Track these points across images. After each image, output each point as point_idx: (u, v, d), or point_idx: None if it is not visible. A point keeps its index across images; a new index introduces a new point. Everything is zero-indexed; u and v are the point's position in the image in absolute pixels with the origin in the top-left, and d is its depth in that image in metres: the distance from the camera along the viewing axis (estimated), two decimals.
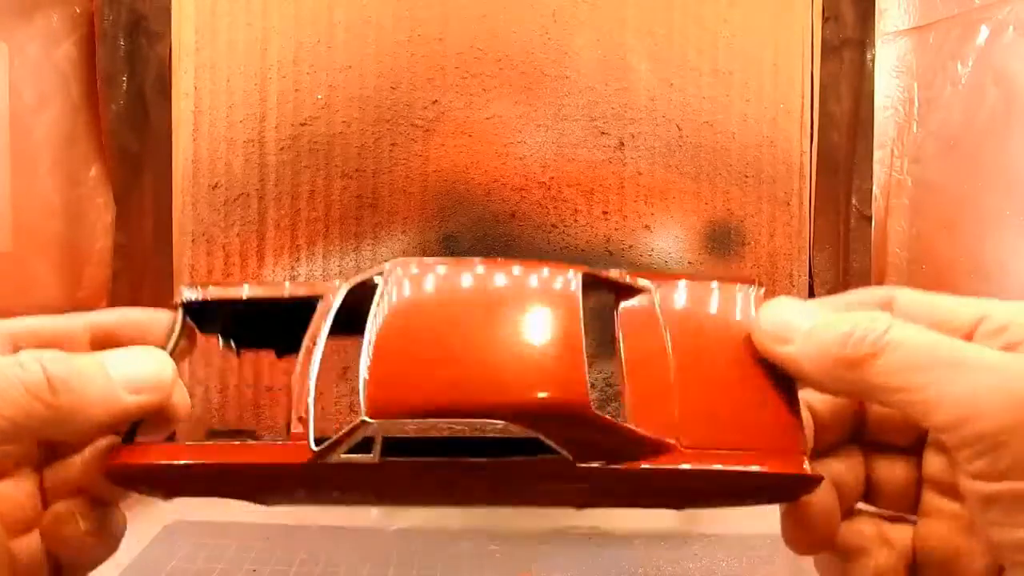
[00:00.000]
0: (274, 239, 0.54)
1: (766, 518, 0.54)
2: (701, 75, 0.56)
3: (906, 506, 0.28)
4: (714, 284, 0.31)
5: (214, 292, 0.32)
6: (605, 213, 0.55)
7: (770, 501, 0.28)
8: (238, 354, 0.35)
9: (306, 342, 0.30)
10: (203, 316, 0.33)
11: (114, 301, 0.61)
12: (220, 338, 0.34)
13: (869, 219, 0.62)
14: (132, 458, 0.27)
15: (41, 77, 0.57)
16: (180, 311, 0.32)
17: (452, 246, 0.55)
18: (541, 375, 0.26)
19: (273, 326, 0.33)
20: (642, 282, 0.32)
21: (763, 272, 0.57)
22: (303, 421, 0.28)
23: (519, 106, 0.55)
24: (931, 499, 0.28)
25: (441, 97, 0.55)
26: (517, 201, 0.55)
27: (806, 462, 0.27)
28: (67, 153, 0.59)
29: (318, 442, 0.27)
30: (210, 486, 0.28)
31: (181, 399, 0.28)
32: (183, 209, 0.54)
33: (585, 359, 0.27)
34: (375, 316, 0.29)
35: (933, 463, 0.28)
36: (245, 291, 0.33)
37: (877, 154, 0.61)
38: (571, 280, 0.30)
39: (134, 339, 0.30)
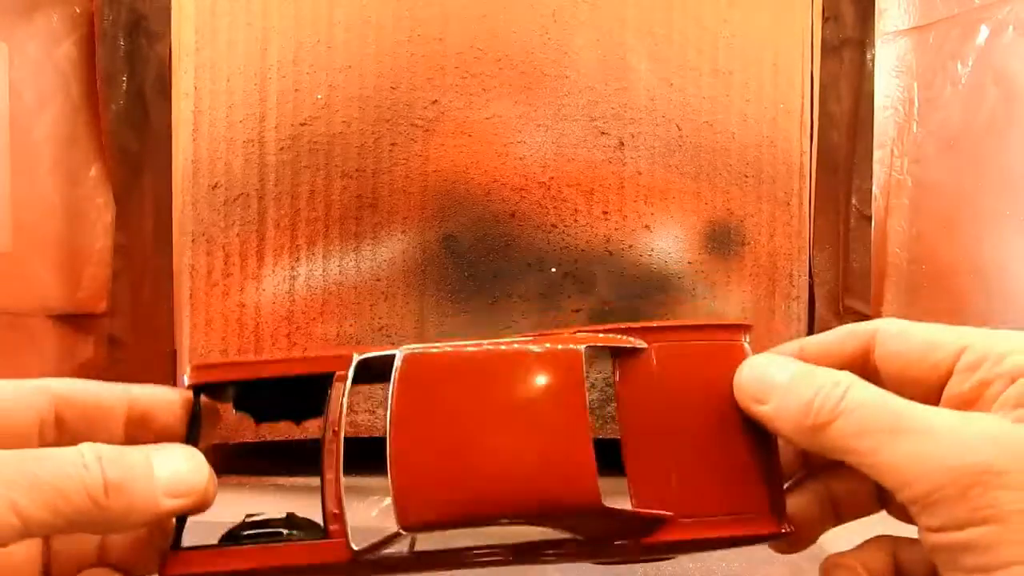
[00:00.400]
0: (274, 239, 0.54)
1: None
2: (701, 75, 0.56)
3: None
4: (704, 336, 0.33)
5: (222, 372, 0.33)
6: (605, 213, 0.55)
7: (753, 544, 0.32)
8: (256, 424, 0.35)
9: (326, 433, 0.31)
10: (215, 391, 0.33)
11: (114, 301, 0.61)
12: (234, 407, 0.34)
13: (869, 219, 0.62)
14: (182, 568, 0.29)
15: (41, 77, 0.57)
16: (193, 395, 0.32)
17: (452, 246, 0.55)
18: (555, 478, 0.29)
19: (287, 398, 0.34)
20: (638, 343, 0.33)
21: (763, 272, 0.57)
22: (338, 518, 0.30)
23: (519, 106, 0.55)
24: None
25: (441, 97, 0.55)
26: (517, 201, 0.55)
27: (783, 523, 0.30)
28: (67, 153, 0.59)
29: (355, 534, 0.29)
30: None
31: (212, 492, 0.29)
32: (183, 209, 0.54)
33: (592, 450, 0.30)
34: (391, 416, 0.30)
35: None
36: (256, 370, 0.33)
37: (877, 154, 0.61)
38: (574, 361, 0.31)
39: (168, 424, 0.31)
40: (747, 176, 0.57)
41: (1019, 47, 0.53)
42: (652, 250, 0.56)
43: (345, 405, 0.32)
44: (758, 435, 0.30)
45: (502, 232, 0.55)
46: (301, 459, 0.52)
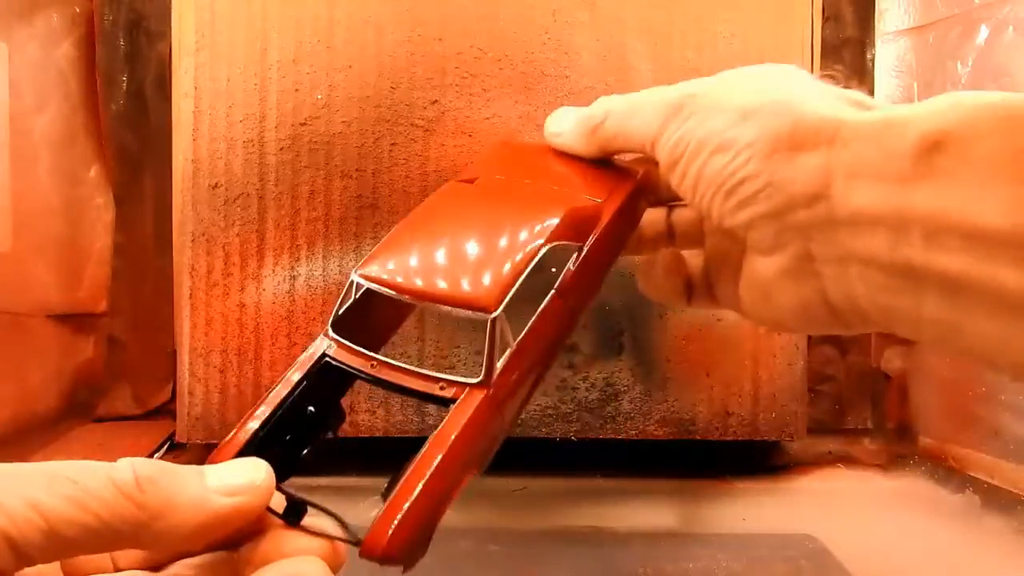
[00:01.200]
0: (274, 239, 0.54)
1: (766, 518, 0.55)
2: (701, 75, 0.56)
3: (698, 240, 0.39)
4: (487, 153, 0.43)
5: (238, 436, 0.29)
6: None
7: (637, 215, 0.38)
8: (300, 466, 0.31)
9: (366, 369, 0.31)
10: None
11: (114, 301, 0.61)
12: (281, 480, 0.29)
13: None
14: (388, 524, 0.26)
15: (41, 77, 0.57)
16: None
17: None
18: (543, 208, 0.36)
19: (305, 418, 0.31)
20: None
21: None
22: (447, 384, 0.30)
23: (519, 106, 0.55)
24: (707, 224, 0.38)
25: (441, 97, 0.55)
26: None
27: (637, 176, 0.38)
28: (67, 153, 0.59)
29: None
30: (453, 480, 0.29)
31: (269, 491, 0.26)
32: (183, 209, 0.54)
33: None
34: (397, 286, 0.32)
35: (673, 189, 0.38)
36: (259, 412, 0.30)
37: None
38: (457, 184, 0.38)
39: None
40: None
41: (1019, 47, 0.53)
42: None
43: (356, 348, 0.32)
44: (576, 158, 0.38)
45: None
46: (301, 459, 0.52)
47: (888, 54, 0.61)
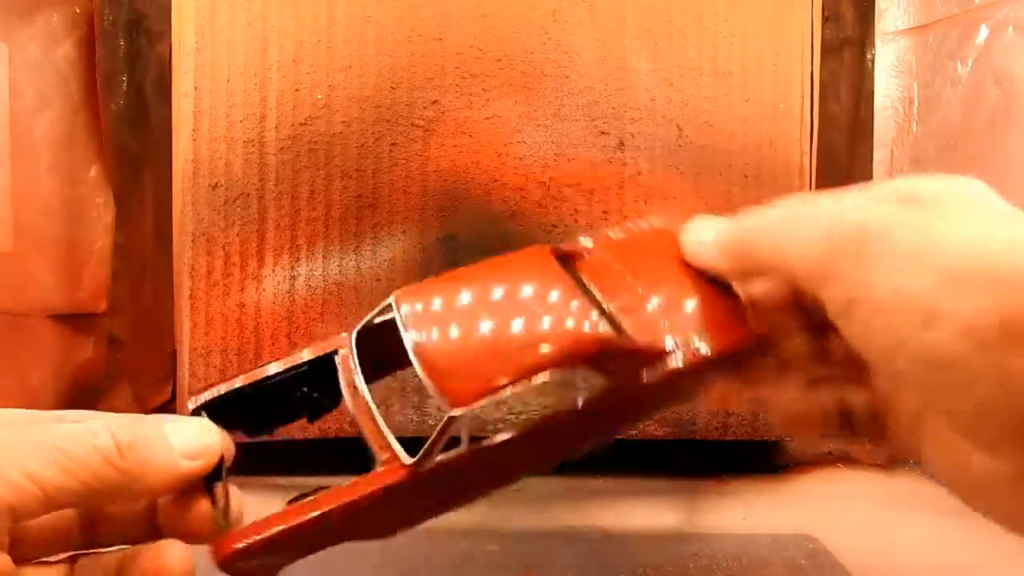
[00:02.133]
0: (274, 239, 0.54)
1: (766, 518, 0.55)
2: (701, 75, 0.56)
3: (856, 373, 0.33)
4: (639, 230, 0.38)
5: (225, 387, 0.33)
6: (605, 213, 0.55)
7: (742, 362, 0.33)
8: (271, 433, 0.35)
9: (346, 391, 0.33)
10: (222, 411, 0.33)
11: (114, 301, 0.61)
12: (247, 430, 0.34)
13: None
14: (241, 539, 0.28)
15: (41, 77, 0.57)
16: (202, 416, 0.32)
17: (452, 246, 0.55)
18: (567, 325, 0.31)
19: (294, 397, 0.35)
20: (582, 240, 0.37)
21: None
22: (385, 448, 0.30)
23: (519, 106, 0.55)
24: None
25: (441, 97, 0.55)
26: (517, 201, 0.55)
27: (756, 329, 0.32)
28: (67, 153, 0.59)
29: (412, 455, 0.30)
30: (324, 536, 0.30)
31: (228, 452, 0.30)
32: (183, 209, 0.54)
33: (583, 295, 0.32)
34: (411, 340, 0.31)
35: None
36: (257, 373, 0.34)
37: (877, 154, 0.61)
38: (543, 251, 0.35)
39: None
40: (747, 176, 0.57)
41: (1019, 47, 0.53)
42: None
43: (356, 366, 0.33)
44: (707, 279, 0.34)
45: (502, 232, 0.55)
46: (301, 459, 0.52)
47: (888, 54, 0.61)
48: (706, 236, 0.33)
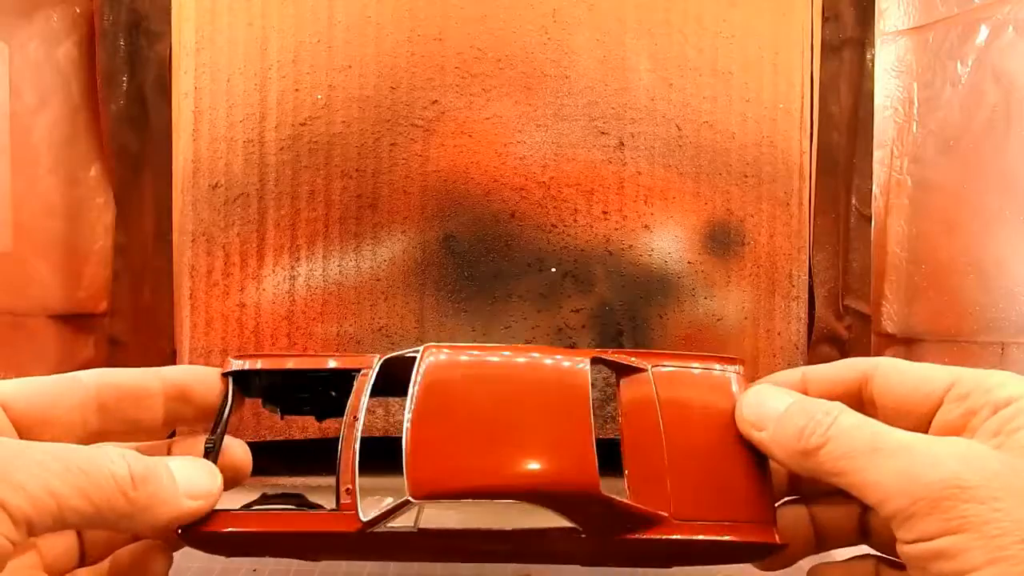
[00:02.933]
0: (274, 239, 0.54)
1: None
2: (701, 75, 0.56)
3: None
4: (699, 366, 0.36)
5: (260, 363, 0.36)
6: (605, 213, 0.55)
7: (745, 561, 0.32)
8: (281, 416, 0.38)
9: (347, 416, 0.34)
10: (248, 382, 0.36)
11: (114, 301, 0.61)
12: (263, 401, 0.37)
13: (869, 219, 0.62)
14: (207, 525, 0.31)
15: (41, 77, 0.57)
16: (230, 381, 0.35)
17: (452, 246, 0.55)
18: (559, 463, 0.31)
19: (314, 393, 0.37)
20: (640, 363, 0.36)
21: (763, 272, 0.57)
22: (351, 493, 0.32)
23: (519, 106, 0.55)
24: None
25: (441, 97, 0.55)
26: (517, 201, 0.55)
27: (775, 533, 0.31)
28: (67, 153, 0.59)
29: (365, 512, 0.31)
30: (269, 548, 0.32)
31: (244, 460, 0.34)
32: (183, 209, 0.54)
33: (594, 444, 0.32)
34: (412, 400, 0.32)
35: None
36: (289, 363, 0.37)
37: (877, 154, 0.61)
38: (580, 369, 0.34)
39: (207, 400, 0.34)
40: (747, 176, 0.57)
41: (1019, 47, 0.53)
42: (652, 250, 0.56)
43: (367, 395, 0.35)
44: (752, 456, 0.32)
45: (502, 232, 0.55)
46: (301, 459, 0.52)
47: (888, 54, 0.60)
48: (765, 421, 0.31)
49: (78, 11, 0.59)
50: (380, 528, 0.31)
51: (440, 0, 0.54)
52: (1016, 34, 0.53)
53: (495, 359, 0.34)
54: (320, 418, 0.38)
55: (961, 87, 0.56)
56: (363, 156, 0.54)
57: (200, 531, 0.30)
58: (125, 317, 0.62)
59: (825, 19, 0.60)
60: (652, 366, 0.36)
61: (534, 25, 0.55)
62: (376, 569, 0.44)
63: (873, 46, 0.61)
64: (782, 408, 0.30)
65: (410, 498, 0.30)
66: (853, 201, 0.62)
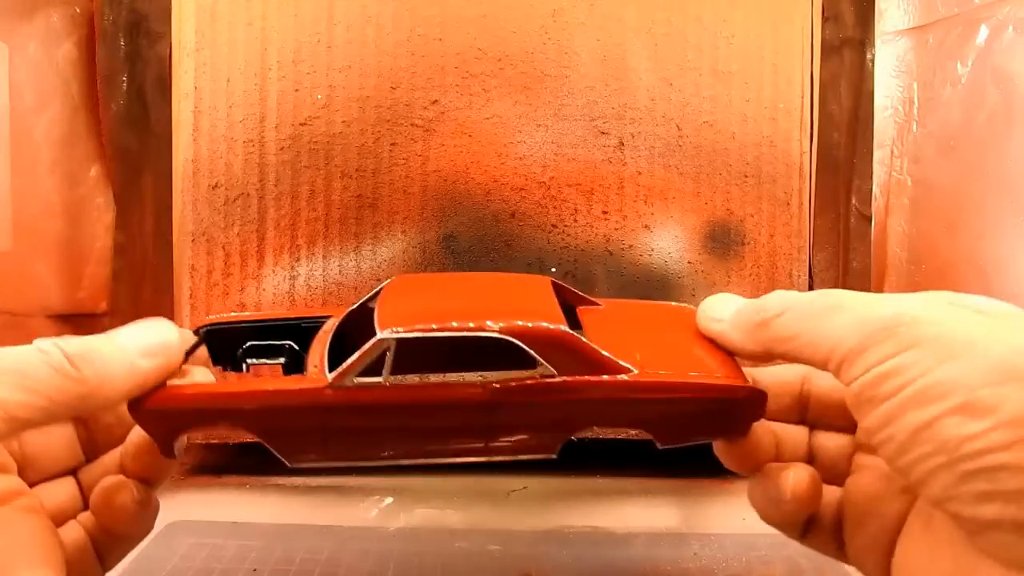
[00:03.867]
0: (274, 239, 0.54)
1: None
2: (701, 75, 0.56)
3: (841, 473, 0.33)
4: (651, 303, 0.39)
5: (231, 316, 0.36)
6: (605, 213, 0.56)
7: (724, 428, 0.32)
8: (246, 369, 0.36)
9: (319, 335, 0.34)
10: (219, 340, 0.35)
11: (114, 301, 0.61)
12: (230, 361, 0.36)
13: (869, 219, 0.62)
14: (157, 396, 0.29)
15: (41, 77, 0.57)
16: (201, 334, 0.35)
17: (452, 246, 0.55)
18: (529, 313, 0.31)
19: (283, 346, 0.36)
20: (596, 301, 0.38)
21: (763, 272, 0.57)
22: (317, 367, 0.31)
23: (519, 106, 0.55)
24: (859, 458, 0.32)
25: (441, 97, 0.55)
26: (517, 201, 0.55)
27: (748, 379, 0.32)
28: (67, 153, 0.59)
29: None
30: (227, 417, 0.30)
31: (205, 377, 0.32)
32: (183, 209, 0.54)
33: (561, 312, 0.32)
34: (384, 292, 0.33)
35: (860, 429, 0.32)
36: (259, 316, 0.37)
37: (877, 154, 0.61)
38: (541, 276, 0.37)
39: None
40: (747, 176, 0.57)
41: (1019, 47, 0.53)
42: (652, 250, 0.56)
43: (335, 327, 0.35)
44: (713, 345, 0.33)
45: (502, 232, 0.55)
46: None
47: (888, 54, 0.61)
48: (724, 313, 0.32)
49: (78, 11, 0.59)
50: (350, 383, 0.29)
51: (440, 0, 0.54)
52: (1016, 34, 0.53)
53: (456, 276, 0.37)
54: (287, 370, 0.36)
55: (961, 87, 0.56)
56: (363, 156, 0.54)
57: (149, 401, 0.29)
58: (125, 317, 0.62)
59: (825, 19, 0.60)
60: (604, 304, 0.38)
61: (534, 25, 0.55)
62: (376, 569, 0.44)
63: (873, 46, 0.61)
64: (739, 302, 0.32)
65: (379, 335, 0.29)
66: (853, 201, 0.62)
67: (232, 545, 0.46)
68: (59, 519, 0.30)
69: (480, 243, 0.55)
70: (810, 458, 0.33)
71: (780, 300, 0.29)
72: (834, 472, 0.33)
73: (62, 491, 0.31)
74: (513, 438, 0.32)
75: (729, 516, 0.52)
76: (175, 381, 0.30)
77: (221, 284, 0.54)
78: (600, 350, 0.31)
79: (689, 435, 0.33)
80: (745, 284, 0.57)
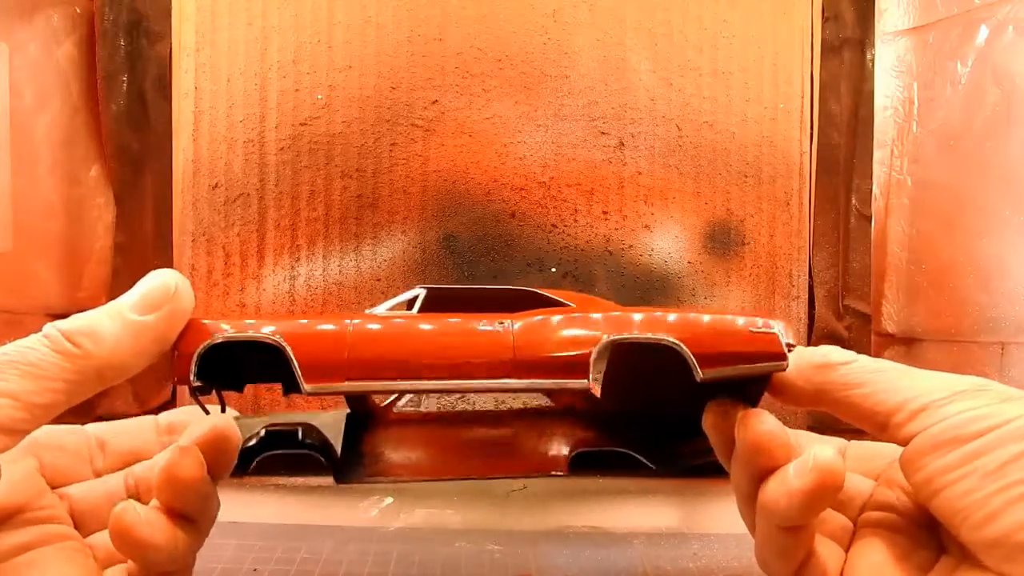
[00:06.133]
0: (274, 239, 0.54)
1: None
2: (701, 75, 0.56)
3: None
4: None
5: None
6: (605, 213, 0.55)
7: (759, 369, 0.31)
8: (240, 390, 0.35)
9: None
10: (216, 363, 0.33)
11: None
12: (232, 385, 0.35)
13: (869, 219, 0.62)
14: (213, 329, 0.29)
15: (41, 77, 0.57)
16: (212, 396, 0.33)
17: (452, 246, 0.55)
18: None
19: (281, 361, 0.34)
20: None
21: (763, 272, 0.57)
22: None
23: (519, 106, 0.55)
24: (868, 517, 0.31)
25: (441, 97, 0.55)
26: (517, 201, 0.55)
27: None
28: (67, 153, 0.59)
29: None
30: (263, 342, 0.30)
31: (229, 428, 0.31)
32: (183, 209, 0.54)
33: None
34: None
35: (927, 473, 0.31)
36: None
37: (877, 154, 0.61)
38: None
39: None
40: (747, 176, 0.57)
41: (1019, 47, 0.53)
42: (652, 250, 0.56)
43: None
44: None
45: (502, 232, 0.55)
46: (301, 460, 0.52)
47: (888, 54, 0.61)
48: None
49: (78, 11, 0.59)
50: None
51: (440, 0, 0.54)
52: (1016, 34, 0.53)
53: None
54: (287, 391, 0.35)
55: (961, 87, 0.56)
56: (363, 156, 0.54)
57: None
58: None
59: (825, 19, 0.60)
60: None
61: (534, 25, 0.55)
62: (376, 569, 0.44)
63: (873, 46, 0.61)
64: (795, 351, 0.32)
65: (414, 290, 0.33)
66: (853, 201, 0.62)
67: (232, 545, 0.46)
68: (107, 563, 0.30)
69: (480, 243, 0.55)
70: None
71: (844, 352, 0.30)
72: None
73: (104, 487, 0.31)
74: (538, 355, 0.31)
75: (729, 516, 0.52)
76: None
77: (221, 284, 0.54)
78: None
79: (719, 372, 0.31)
80: (745, 284, 0.57)
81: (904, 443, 0.27)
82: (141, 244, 0.62)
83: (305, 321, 0.31)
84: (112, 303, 0.29)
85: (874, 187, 0.61)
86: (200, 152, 0.54)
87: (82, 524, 0.30)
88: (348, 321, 0.30)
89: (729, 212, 0.57)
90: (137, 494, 0.32)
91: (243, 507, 0.49)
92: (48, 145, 0.58)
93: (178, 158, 0.55)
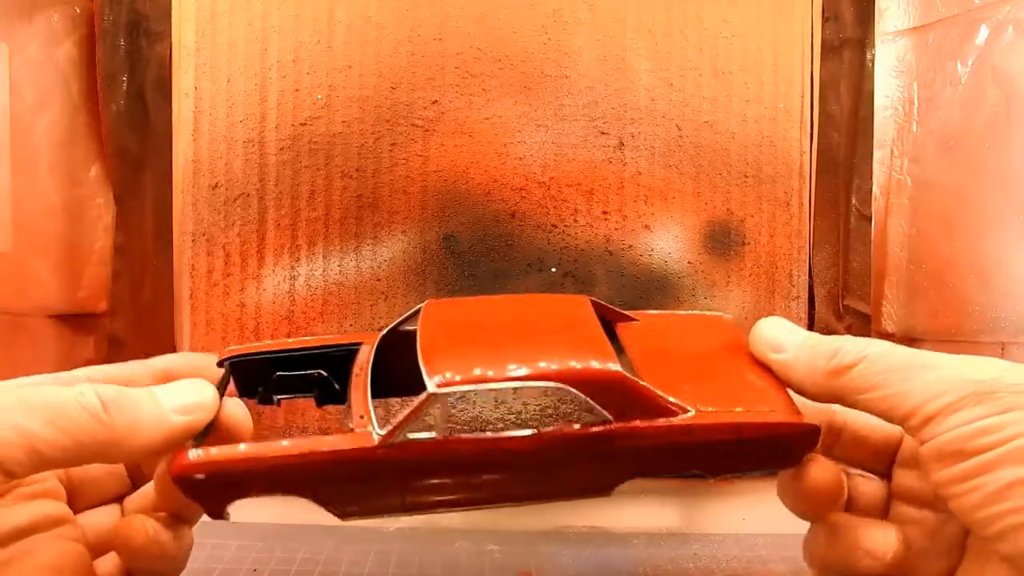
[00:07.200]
0: (274, 239, 0.54)
1: (766, 518, 0.55)
2: (701, 75, 0.56)
3: (875, 518, 0.32)
4: (684, 312, 0.39)
5: (254, 346, 0.36)
6: (605, 213, 0.55)
7: (777, 461, 0.31)
8: (278, 403, 0.36)
9: (355, 370, 0.33)
10: (245, 372, 0.35)
11: (114, 301, 0.61)
12: (259, 394, 0.36)
13: (869, 219, 0.62)
14: (204, 462, 0.29)
15: (41, 77, 0.57)
16: (226, 367, 0.34)
17: (452, 246, 0.55)
18: (578, 353, 0.30)
19: (314, 376, 0.36)
20: (633, 317, 0.37)
21: (763, 272, 0.57)
22: (364, 418, 0.30)
23: (519, 106, 0.55)
24: (899, 508, 0.32)
25: (441, 97, 0.55)
26: (517, 201, 0.55)
27: (802, 415, 0.31)
28: (67, 153, 0.59)
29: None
30: (275, 482, 0.30)
31: (243, 418, 0.32)
32: (183, 209, 0.54)
33: (609, 344, 0.31)
34: (421, 328, 0.32)
35: (903, 477, 0.32)
36: (287, 345, 0.36)
37: (877, 154, 0.61)
38: (581, 296, 0.36)
39: (191, 375, 0.32)
40: (747, 176, 0.57)
41: (1019, 47, 0.53)
42: (652, 250, 0.56)
43: (373, 353, 0.34)
44: (764, 369, 0.32)
45: (502, 232, 0.55)
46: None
47: (888, 54, 0.60)
48: (787, 343, 0.31)
49: (78, 11, 0.59)
50: (400, 439, 0.29)
51: (440, 0, 0.54)
52: (1016, 34, 0.53)
53: (493, 298, 0.36)
54: (320, 403, 0.36)
55: (961, 87, 0.56)
56: (363, 156, 0.54)
57: (197, 463, 0.28)
58: (125, 317, 0.62)
59: (825, 19, 0.60)
60: (639, 318, 0.38)
61: (534, 25, 0.55)
62: (376, 569, 0.44)
63: (873, 46, 0.61)
64: (803, 335, 0.31)
65: (430, 389, 0.28)
66: (853, 201, 0.62)
67: (232, 545, 0.46)
68: (100, 549, 0.30)
69: (480, 243, 0.55)
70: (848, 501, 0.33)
71: (856, 348, 0.29)
72: (869, 516, 0.32)
73: (107, 519, 0.31)
74: (566, 484, 0.32)
75: (729, 516, 0.52)
76: (211, 451, 0.29)
77: (221, 284, 0.54)
78: (655, 391, 0.30)
79: (740, 467, 0.32)
80: (745, 284, 0.57)
81: (922, 444, 0.27)
82: (141, 244, 0.62)
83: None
84: (155, 390, 0.29)
85: (874, 187, 0.61)
86: (200, 152, 0.54)
87: (78, 495, 0.30)
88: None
89: (729, 212, 0.57)
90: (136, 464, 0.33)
91: (243, 507, 0.49)
92: (48, 145, 0.58)
93: (178, 158, 0.55)
